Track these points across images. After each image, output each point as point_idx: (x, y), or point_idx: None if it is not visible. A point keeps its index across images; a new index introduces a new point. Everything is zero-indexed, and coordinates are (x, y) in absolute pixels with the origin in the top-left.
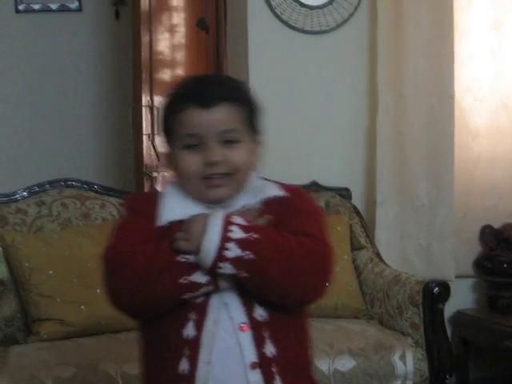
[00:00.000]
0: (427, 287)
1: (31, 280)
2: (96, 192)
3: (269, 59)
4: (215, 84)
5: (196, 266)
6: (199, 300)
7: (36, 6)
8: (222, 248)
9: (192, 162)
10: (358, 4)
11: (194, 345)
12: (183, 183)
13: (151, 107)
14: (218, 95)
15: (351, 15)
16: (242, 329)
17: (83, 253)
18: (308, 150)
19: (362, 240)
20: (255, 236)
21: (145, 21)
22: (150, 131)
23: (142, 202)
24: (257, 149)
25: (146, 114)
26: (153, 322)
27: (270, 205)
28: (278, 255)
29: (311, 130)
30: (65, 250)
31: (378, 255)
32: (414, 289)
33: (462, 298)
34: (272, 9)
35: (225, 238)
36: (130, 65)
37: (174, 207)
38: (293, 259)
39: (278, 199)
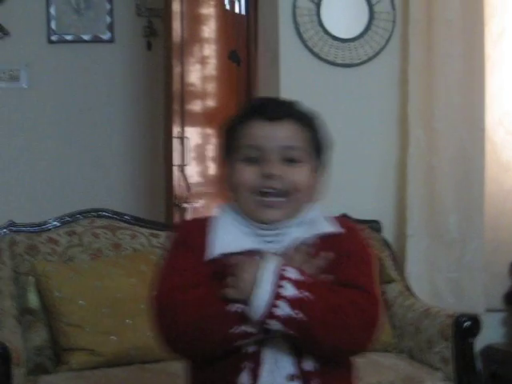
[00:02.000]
0: (458, 321)
1: (61, 310)
2: (127, 222)
3: (300, 91)
4: (285, 102)
5: (246, 317)
6: (252, 349)
7: (69, 37)
8: (272, 305)
9: (249, 173)
10: (390, 37)
11: None
12: (238, 199)
13: (182, 138)
14: (286, 111)
15: (382, 48)
16: (289, 379)
17: (113, 283)
18: (339, 183)
19: (393, 273)
20: (307, 295)
21: (176, 52)
22: (180, 162)
23: (192, 233)
24: (318, 178)
25: (176, 145)
26: (204, 365)
27: (323, 241)
28: (329, 317)
29: (342, 163)
30: (95, 280)
31: (408, 288)
32: (444, 323)
33: (491, 332)
34: (304, 41)
35: (276, 296)
36: (162, 96)
37: (225, 238)
38: (344, 320)
39: (332, 236)
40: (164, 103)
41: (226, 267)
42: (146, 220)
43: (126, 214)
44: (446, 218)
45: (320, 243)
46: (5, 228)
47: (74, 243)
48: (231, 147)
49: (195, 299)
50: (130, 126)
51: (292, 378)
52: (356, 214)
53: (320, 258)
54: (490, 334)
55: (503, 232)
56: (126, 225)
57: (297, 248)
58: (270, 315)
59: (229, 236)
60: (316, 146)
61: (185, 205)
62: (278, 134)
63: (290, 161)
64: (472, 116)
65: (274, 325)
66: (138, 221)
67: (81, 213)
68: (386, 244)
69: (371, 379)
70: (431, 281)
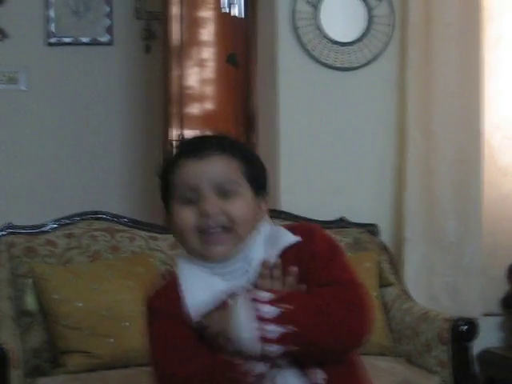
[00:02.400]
0: (455, 325)
1: (59, 312)
2: (125, 225)
3: (298, 95)
4: (211, 137)
5: (249, 358)
6: (259, 370)
7: (67, 40)
8: (262, 334)
9: (188, 215)
10: (388, 41)
11: None
12: (182, 242)
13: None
14: (213, 146)
15: (381, 52)
16: None
17: (112, 285)
18: (336, 186)
19: (390, 277)
20: (289, 307)
21: (175, 55)
22: None
23: (163, 302)
24: (262, 204)
25: (175, 148)
26: None
27: (287, 255)
28: (318, 318)
29: (340, 166)
30: (93, 282)
31: (406, 292)
32: (442, 326)
33: (489, 337)
34: (302, 45)
35: (260, 323)
36: (160, 98)
37: (196, 295)
38: (332, 316)
39: (293, 247)
40: (162, 106)
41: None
42: (145, 223)
43: (124, 217)
44: (443, 222)
45: (284, 257)
46: (3, 230)
47: (73, 245)
48: (167, 190)
49: (198, 371)
50: (128, 129)
51: None
52: (354, 218)
53: (288, 276)
54: (487, 339)
55: (501, 236)
56: (124, 227)
57: (261, 273)
58: (266, 343)
59: (198, 291)
60: (250, 175)
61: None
62: (209, 170)
63: (226, 194)
64: (470, 120)
65: (274, 349)
66: (136, 223)
67: (79, 215)
68: (383, 248)
69: None
70: (429, 284)
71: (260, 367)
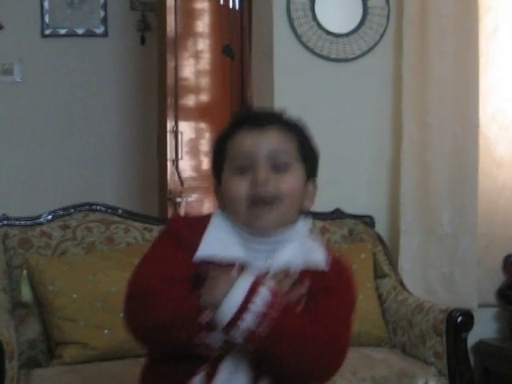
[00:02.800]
0: (451, 316)
1: (55, 303)
2: (120, 216)
3: (294, 86)
4: (271, 111)
5: (213, 328)
6: (214, 355)
7: (62, 31)
8: (238, 316)
9: (241, 183)
10: (384, 32)
11: None
12: (231, 210)
13: (176, 133)
14: (272, 119)
15: (376, 43)
16: None
17: (107, 277)
18: (332, 178)
19: (386, 268)
20: (275, 315)
21: (170, 47)
22: (174, 157)
23: (183, 228)
24: (311, 190)
25: (170, 140)
26: (163, 358)
27: (308, 273)
28: (291, 342)
29: (335, 158)
30: (89, 274)
31: (402, 283)
32: (437, 317)
33: (484, 328)
34: (298, 36)
35: (244, 308)
36: (155, 90)
37: (216, 243)
38: (303, 351)
39: (317, 269)
40: (158, 97)
41: (206, 273)
42: (140, 214)
43: (119, 208)
44: (439, 213)
45: (305, 271)
46: None
47: (68, 237)
48: (220, 161)
49: (169, 295)
50: (123, 120)
51: None
52: (349, 209)
53: (298, 289)
54: (482, 330)
55: (496, 227)
56: (119, 219)
57: (286, 274)
58: (234, 325)
59: (220, 242)
60: (304, 153)
61: (178, 199)
62: (266, 141)
63: (279, 168)
64: (465, 111)
65: (237, 335)
66: (131, 215)
67: (74, 207)
68: (379, 239)
69: (364, 374)
70: (424, 276)
71: (214, 339)
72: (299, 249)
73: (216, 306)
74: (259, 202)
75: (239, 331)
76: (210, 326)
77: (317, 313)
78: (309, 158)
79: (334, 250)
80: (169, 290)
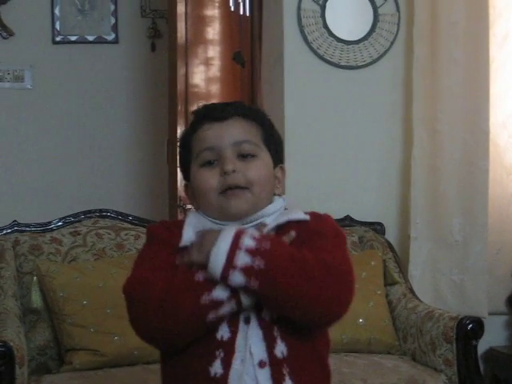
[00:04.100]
0: (461, 323)
1: (65, 310)
2: (131, 223)
3: (304, 93)
4: (232, 103)
5: (215, 283)
6: (226, 337)
7: (73, 38)
8: (230, 256)
9: (210, 176)
10: (394, 40)
11: (222, 383)
12: (202, 205)
13: None
14: (234, 111)
15: (387, 51)
16: (260, 366)
17: (117, 283)
18: (342, 185)
19: (396, 275)
20: (266, 245)
21: (181, 54)
22: None
23: (164, 230)
24: (279, 175)
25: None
26: (178, 356)
27: (291, 227)
28: (290, 264)
29: (345, 165)
30: (99, 280)
31: (412, 291)
32: (447, 325)
33: (494, 335)
34: (308, 43)
35: (234, 246)
36: (166, 97)
37: (193, 234)
38: (307, 270)
39: (300, 223)
40: (168, 104)
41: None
42: (150, 221)
43: (129, 215)
44: (449, 221)
45: (288, 229)
46: (9, 228)
47: (78, 243)
48: (187, 158)
49: (160, 276)
50: (133, 127)
51: (262, 364)
52: (359, 216)
53: (285, 236)
54: (492, 338)
55: (507, 235)
56: (129, 225)
57: (259, 228)
58: (230, 265)
59: (197, 229)
60: (267, 140)
61: (188, 206)
62: (229, 132)
63: (244, 156)
64: (476, 119)
65: (236, 276)
66: (141, 221)
67: (84, 213)
68: (389, 246)
69: (374, 381)
70: (434, 283)
71: (218, 292)
72: (278, 217)
73: (205, 255)
74: (231, 191)
75: (236, 270)
76: (209, 283)
77: (314, 248)
78: (273, 144)
79: (313, 211)
80: (158, 274)
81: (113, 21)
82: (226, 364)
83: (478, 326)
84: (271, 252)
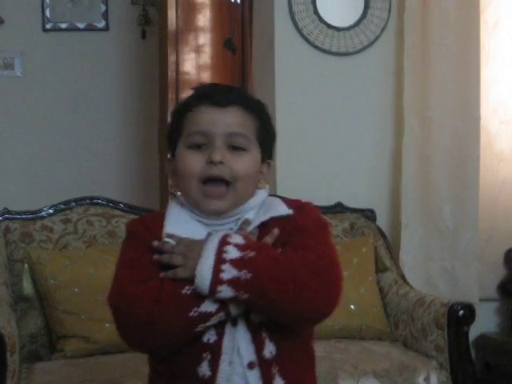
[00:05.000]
0: (452, 309)
1: (56, 297)
2: (122, 210)
3: (295, 80)
4: (233, 88)
5: (203, 297)
6: (213, 339)
7: (63, 25)
8: (217, 271)
9: (195, 160)
10: (385, 26)
11: None
12: (183, 187)
13: None
14: (234, 98)
15: (378, 37)
16: (249, 367)
17: (108, 270)
18: (333, 171)
19: (387, 262)
20: (251, 254)
21: (171, 41)
22: None
23: (144, 226)
24: (265, 170)
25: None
26: (165, 357)
27: (275, 225)
28: (277, 271)
29: (336, 152)
30: (90, 267)
31: (403, 277)
32: (438, 311)
33: (485, 322)
34: (299, 30)
35: (219, 260)
36: (156, 84)
37: (176, 225)
38: (294, 274)
39: (282, 218)
40: (159, 92)
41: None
42: (141, 208)
43: (120, 202)
44: (440, 208)
45: (272, 226)
46: None
47: (69, 231)
48: (177, 133)
49: (147, 290)
50: (124, 115)
51: (251, 365)
52: (350, 203)
53: (268, 236)
54: (483, 324)
55: (497, 222)
56: (120, 213)
57: (240, 228)
58: (217, 281)
59: (182, 224)
60: (262, 134)
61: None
62: (225, 120)
63: (235, 148)
64: (467, 105)
65: (225, 291)
66: (132, 209)
67: (75, 200)
68: (380, 233)
69: (365, 367)
70: (425, 270)
71: (207, 305)
72: (260, 210)
73: (191, 271)
74: (211, 184)
75: (224, 285)
76: (197, 297)
77: (297, 244)
78: (266, 141)
79: (294, 200)
80: (144, 289)
81: (103, 8)
82: (214, 366)
83: (469, 312)
84: (256, 261)
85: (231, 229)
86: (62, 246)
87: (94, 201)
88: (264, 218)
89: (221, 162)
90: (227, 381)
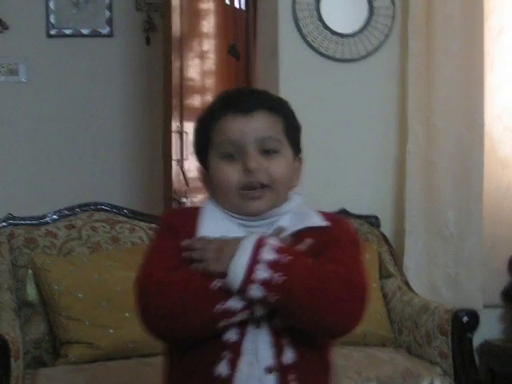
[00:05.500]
0: (456, 316)
1: (60, 303)
2: (126, 216)
3: (299, 86)
4: (257, 93)
5: (230, 293)
6: (234, 338)
7: (68, 31)
8: (250, 270)
9: (230, 170)
10: (389, 33)
11: None
12: (220, 197)
13: (181, 133)
14: (259, 103)
15: (382, 44)
16: (267, 372)
17: (112, 276)
18: (337, 178)
19: (391, 268)
20: (287, 258)
21: (176, 47)
22: (179, 157)
23: (180, 219)
24: (297, 166)
25: (175, 140)
26: (182, 353)
27: (310, 235)
28: (310, 279)
29: (341, 158)
30: (94, 273)
31: (407, 283)
32: (443, 317)
33: (489, 328)
34: (303, 36)
35: (254, 260)
36: (160, 90)
37: (211, 224)
38: (326, 285)
39: (317, 229)
40: (163, 98)
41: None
42: (145, 214)
43: (124, 208)
44: (444, 214)
45: (306, 235)
46: (4, 221)
47: (73, 237)
48: (205, 145)
49: (177, 279)
50: (128, 121)
51: (270, 370)
52: (355, 209)
53: (301, 244)
54: (487, 330)
55: (501, 228)
56: (124, 218)
57: (273, 233)
58: (249, 279)
59: (215, 222)
60: (289, 132)
61: (183, 199)
62: (253, 127)
63: (268, 152)
64: (471, 112)
65: (255, 290)
66: (136, 214)
67: (79, 206)
68: (384, 239)
69: (370, 373)
70: (429, 276)
71: (233, 302)
72: (295, 217)
73: (225, 269)
74: (252, 192)
75: (256, 284)
76: (225, 292)
77: (331, 258)
78: (294, 135)
79: (329, 213)
80: (174, 277)
81: (108, 14)
82: (233, 365)
83: (474, 318)
84: (291, 266)
85: (264, 232)
86: (66, 251)
87: (98, 207)
88: (300, 226)
89: (257, 169)
90: (245, 382)
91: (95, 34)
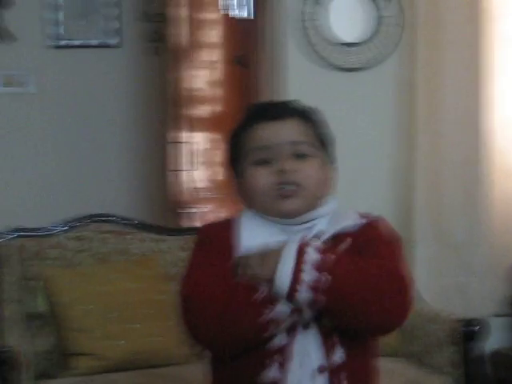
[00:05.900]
0: (467, 325)
1: (69, 314)
2: (134, 227)
3: (307, 96)
4: (284, 102)
5: (276, 301)
6: (282, 343)
7: (76, 42)
8: (297, 272)
9: (265, 174)
10: (397, 42)
11: None
12: (257, 202)
13: (189, 143)
14: (292, 110)
15: (390, 53)
16: (319, 371)
17: (121, 288)
18: (344, 187)
19: None
20: (332, 258)
21: (182, 57)
22: (188, 167)
23: (217, 231)
24: (330, 173)
25: (185, 150)
26: (229, 360)
27: (348, 234)
28: (357, 277)
29: (348, 167)
30: (103, 285)
31: (416, 292)
32: (453, 327)
33: (499, 337)
34: (311, 46)
35: (300, 262)
36: (169, 101)
37: (251, 232)
38: (372, 281)
39: (355, 229)
40: (171, 108)
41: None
42: (154, 225)
43: (133, 219)
44: (452, 223)
45: (346, 236)
46: (13, 233)
47: (82, 248)
48: (238, 155)
49: (221, 292)
50: (137, 131)
51: (321, 370)
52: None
53: (342, 244)
54: (497, 339)
55: (509, 237)
56: (133, 230)
57: (317, 236)
58: (297, 281)
59: (255, 231)
60: (321, 140)
61: (193, 210)
62: (284, 131)
63: (300, 156)
64: (478, 121)
65: (304, 292)
66: (145, 226)
67: (89, 218)
68: None
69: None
70: (438, 285)
71: (282, 307)
72: (333, 219)
73: (270, 278)
74: (286, 189)
75: (304, 286)
76: (270, 301)
77: (372, 255)
78: (327, 145)
79: (366, 212)
80: (219, 287)
81: (116, 25)
82: (284, 369)
83: (484, 327)
84: (337, 265)
85: (305, 236)
86: (76, 263)
87: (107, 218)
88: (337, 227)
89: (290, 170)
90: (298, 383)
91: (103, 45)
